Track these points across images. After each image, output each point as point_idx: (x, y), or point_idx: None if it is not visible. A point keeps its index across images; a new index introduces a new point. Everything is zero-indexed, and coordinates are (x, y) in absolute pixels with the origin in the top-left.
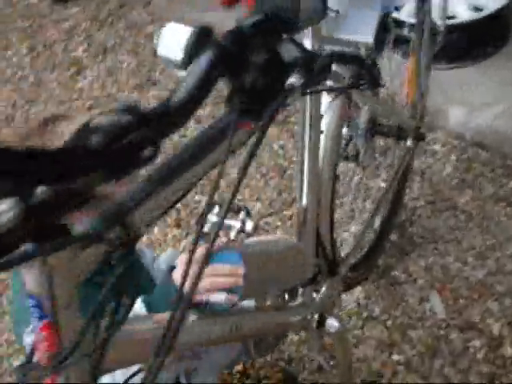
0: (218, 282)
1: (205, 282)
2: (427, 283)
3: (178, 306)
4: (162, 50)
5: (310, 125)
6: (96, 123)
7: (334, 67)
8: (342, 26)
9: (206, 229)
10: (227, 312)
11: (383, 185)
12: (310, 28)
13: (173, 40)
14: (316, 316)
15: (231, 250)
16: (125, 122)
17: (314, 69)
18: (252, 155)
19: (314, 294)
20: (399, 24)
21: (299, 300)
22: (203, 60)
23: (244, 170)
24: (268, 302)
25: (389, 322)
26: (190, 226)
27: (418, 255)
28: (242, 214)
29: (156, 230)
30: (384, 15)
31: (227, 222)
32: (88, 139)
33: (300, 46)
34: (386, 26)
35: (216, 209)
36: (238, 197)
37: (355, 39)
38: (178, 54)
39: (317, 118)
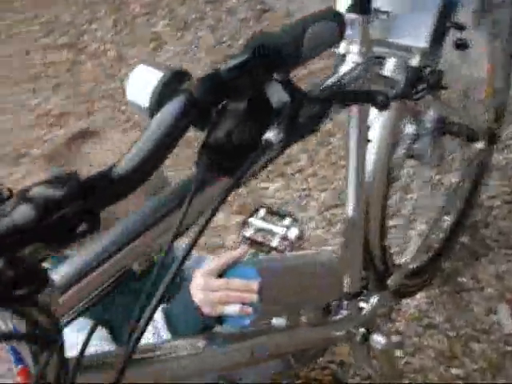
0: (231, 296)
1: (219, 295)
2: (497, 293)
3: None
4: (129, 95)
5: (356, 134)
6: (31, 194)
7: (386, 72)
8: (394, 28)
9: (247, 233)
10: (258, 331)
11: (454, 184)
12: (358, 30)
13: (141, 84)
14: (361, 330)
15: (248, 264)
16: (58, 196)
17: (303, 117)
18: (214, 213)
19: (364, 305)
20: (460, 26)
21: (344, 313)
22: (168, 110)
23: (199, 234)
24: (303, 318)
25: (450, 332)
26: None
27: (489, 261)
28: (287, 221)
29: (220, 215)
30: (442, 15)
31: (270, 227)
32: (21, 212)
33: (292, 87)
34: (445, 28)
35: (262, 212)
36: (303, 185)
37: (407, 44)
38: (144, 101)
39: (363, 127)
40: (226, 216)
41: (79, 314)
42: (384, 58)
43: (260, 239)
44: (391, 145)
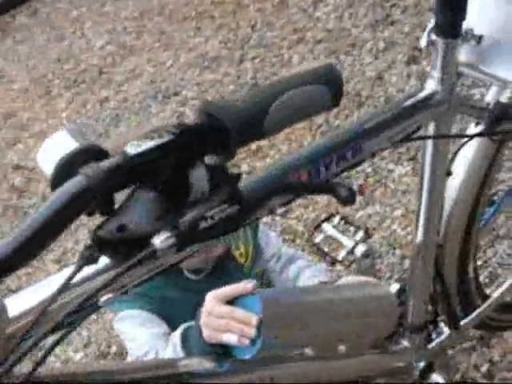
0: (231, 325)
1: (220, 322)
2: None
3: None
4: (40, 158)
5: (434, 164)
6: None
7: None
8: (488, 55)
9: (317, 239)
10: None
11: None
12: (439, 55)
13: (52, 151)
14: (421, 365)
15: (257, 296)
16: None
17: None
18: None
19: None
20: None
21: (404, 344)
22: (63, 191)
23: None
24: (343, 348)
25: None
26: (375, 196)
27: None
28: (359, 235)
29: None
30: None
31: (341, 238)
32: None
33: (224, 176)
34: None
35: (337, 219)
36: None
37: (500, 75)
38: (49, 170)
39: (442, 157)
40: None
41: None
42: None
43: (326, 249)
44: (477, 182)
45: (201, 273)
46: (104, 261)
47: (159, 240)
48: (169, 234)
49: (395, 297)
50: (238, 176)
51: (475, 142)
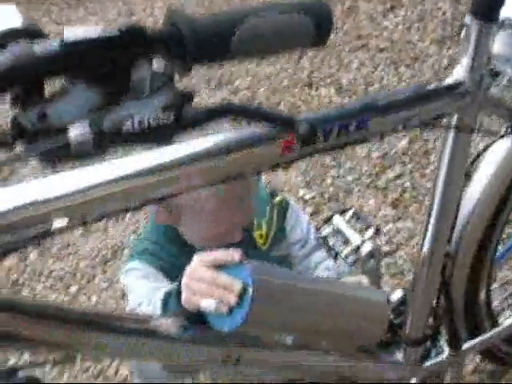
0: (210, 290)
1: (200, 286)
2: None
3: None
4: None
5: (451, 162)
6: None
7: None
8: None
9: (325, 231)
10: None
11: None
12: (473, 39)
13: None
14: (414, 381)
15: (247, 265)
16: None
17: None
18: None
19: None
20: None
21: (398, 356)
22: None
23: None
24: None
25: None
26: (407, 212)
27: None
28: (368, 233)
29: (371, 202)
30: None
31: (348, 233)
32: None
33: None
34: None
35: (349, 214)
36: None
37: None
38: None
39: (461, 156)
40: (377, 204)
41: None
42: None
43: (331, 243)
44: (501, 189)
45: None
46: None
47: (75, 132)
48: (87, 129)
49: (395, 305)
50: (190, 96)
51: (503, 145)
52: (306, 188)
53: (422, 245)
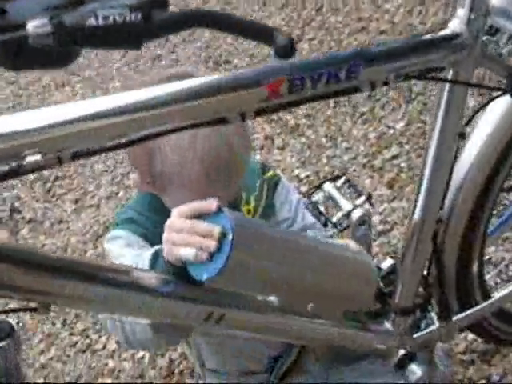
0: (190, 239)
1: (178, 236)
2: None
3: None
4: None
5: (444, 119)
6: None
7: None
8: None
9: (315, 197)
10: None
11: None
12: None
13: None
14: (401, 352)
15: (226, 212)
16: None
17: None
18: None
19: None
20: None
21: (386, 325)
22: None
23: None
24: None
25: None
26: (403, 192)
27: None
28: (360, 200)
29: (367, 182)
30: None
31: (340, 200)
32: None
33: None
34: None
35: (341, 181)
36: None
37: None
38: None
39: (456, 113)
40: (374, 184)
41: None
42: (498, 33)
43: (322, 209)
44: (497, 150)
45: None
46: None
47: (33, 24)
48: (46, 22)
49: (384, 273)
50: (163, 2)
51: (499, 104)
52: (302, 168)
53: (414, 210)
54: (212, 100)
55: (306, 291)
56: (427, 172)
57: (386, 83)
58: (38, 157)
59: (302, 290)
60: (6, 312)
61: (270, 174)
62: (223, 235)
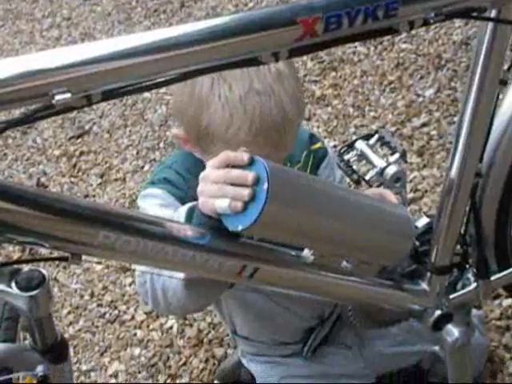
0: (223, 189)
1: (213, 187)
2: None
3: None
4: None
5: (484, 65)
6: None
7: None
8: None
9: (347, 155)
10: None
11: None
12: None
13: None
14: (437, 313)
15: (260, 161)
16: None
17: None
18: None
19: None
20: None
21: (423, 285)
22: None
23: None
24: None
25: None
26: (433, 160)
27: None
28: (394, 157)
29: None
30: None
31: (373, 157)
32: None
33: None
34: None
35: (375, 138)
36: None
37: None
38: None
39: (497, 57)
40: None
41: None
42: None
43: (355, 166)
44: None
45: None
46: None
47: None
48: None
49: (420, 231)
50: None
51: None
52: (329, 138)
53: (451, 164)
54: (244, 38)
55: (342, 244)
56: (466, 122)
57: (425, 23)
58: (67, 95)
59: (339, 243)
60: (37, 260)
61: (317, 145)
62: (258, 182)
